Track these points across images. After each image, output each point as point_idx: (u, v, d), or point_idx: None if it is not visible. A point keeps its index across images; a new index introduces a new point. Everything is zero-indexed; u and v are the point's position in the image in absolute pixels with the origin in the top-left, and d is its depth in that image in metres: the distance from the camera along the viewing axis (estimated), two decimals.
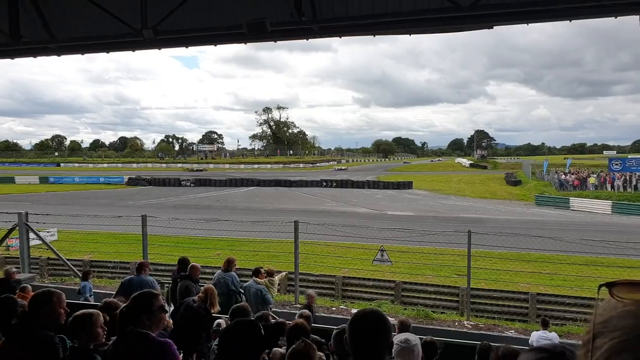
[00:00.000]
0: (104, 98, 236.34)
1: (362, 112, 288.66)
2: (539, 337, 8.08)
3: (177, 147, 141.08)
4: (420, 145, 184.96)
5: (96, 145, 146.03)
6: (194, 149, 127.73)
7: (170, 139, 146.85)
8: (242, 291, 8.75)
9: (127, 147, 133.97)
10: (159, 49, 8.19)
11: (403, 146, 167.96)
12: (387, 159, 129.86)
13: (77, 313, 3.33)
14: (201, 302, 5.87)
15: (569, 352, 1.08)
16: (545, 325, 8.45)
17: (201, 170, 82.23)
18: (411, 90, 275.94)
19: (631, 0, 6.14)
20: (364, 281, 14.08)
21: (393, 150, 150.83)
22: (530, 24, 6.88)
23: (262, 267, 9.11)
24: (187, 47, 8.53)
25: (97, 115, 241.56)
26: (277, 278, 9.43)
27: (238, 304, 5.33)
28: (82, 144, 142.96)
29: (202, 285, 6.96)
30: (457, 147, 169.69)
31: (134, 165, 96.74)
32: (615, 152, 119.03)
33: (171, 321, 4.93)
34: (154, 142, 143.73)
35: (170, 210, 32.54)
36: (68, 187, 56.31)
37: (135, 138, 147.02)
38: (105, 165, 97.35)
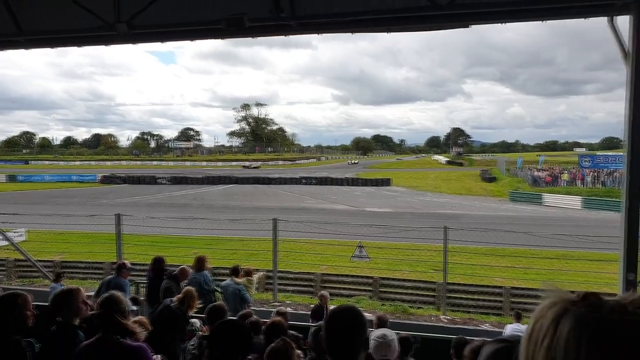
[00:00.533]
0: (76, 94, 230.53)
1: (342, 110, 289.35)
2: (512, 329, 8.24)
3: (153, 145, 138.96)
4: (398, 142, 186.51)
5: (68, 142, 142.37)
6: (170, 146, 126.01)
7: (146, 136, 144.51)
8: (217, 290, 8.68)
9: (100, 145, 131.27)
10: (134, 43, 8.06)
11: (382, 144, 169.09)
12: (366, 156, 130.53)
13: (57, 291, 3.54)
14: (179, 304, 5.82)
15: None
16: (518, 318, 8.63)
17: (257, 167, 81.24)
18: (390, 88, 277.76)
19: (599, 3, 6.32)
20: (342, 278, 14.13)
21: (372, 148, 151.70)
22: (505, 24, 7.02)
23: (240, 266, 9.05)
24: (163, 42, 8.40)
25: (69, 111, 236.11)
26: (255, 277, 9.38)
27: (214, 304, 5.27)
28: (53, 141, 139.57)
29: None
30: (434, 144, 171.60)
31: (108, 163, 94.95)
32: (585, 149, 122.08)
33: (146, 321, 4.85)
34: (128, 139, 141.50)
35: (145, 208, 32.04)
36: (38, 185, 54.81)
37: (110, 135, 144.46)
38: (78, 163, 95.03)
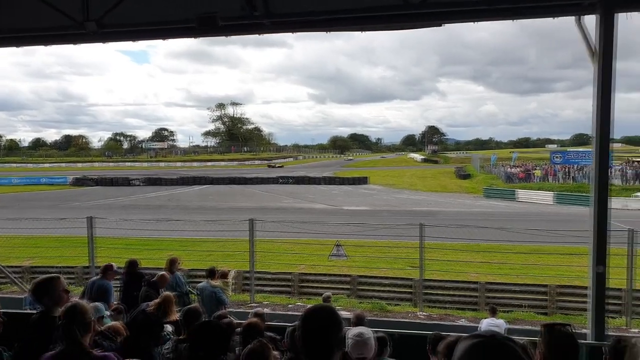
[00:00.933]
0: (45, 94, 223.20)
1: (318, 109, 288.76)
2: (487, 324, 8.37)
3: (126, 145, 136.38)
4: (375, 141, 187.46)
5: (37, 144, 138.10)
6: (144, 147, 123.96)
7: (119, 137, 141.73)
8: (192, 292, 8.58)
9: (71, 146, 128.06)
10: (104, 42, 7.88)
11: (359, 142, 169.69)
12: (343, 155, 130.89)
13: (37, 279, 3.55)
14: (155, 309, 5.73)
15: (499, 335, 1.18)
16: (493, 313, 8.77)
17: (281, 167, 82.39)
18: (366, 87, 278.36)
19: (567, 3, 6.47)
20: (320, 277, 14.15)
21: (349, 147, 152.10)
22: (477, 23, 7.12)
23: (216, 268, 8.95)
24: (134, 41, 8.26)
25: (37, 112, 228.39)
26: (231, 279, 9.27)
27: (189, 306, 5.21)
28: (20, 143, 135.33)
29: None
30: (410, 142, 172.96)
31: (80, 165, 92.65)
32: (556, 145, 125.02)
33: (121, 327, 4.75)
34: (100, 141, 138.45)
35: (119, 211, 31.44)
36: (4, 189, 53.09)
37: (81, 136, 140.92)
38: (47, 165, 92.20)
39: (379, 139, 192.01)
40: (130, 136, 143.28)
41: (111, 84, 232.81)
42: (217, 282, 8.52)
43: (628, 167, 44.57)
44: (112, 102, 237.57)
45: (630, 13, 6.64)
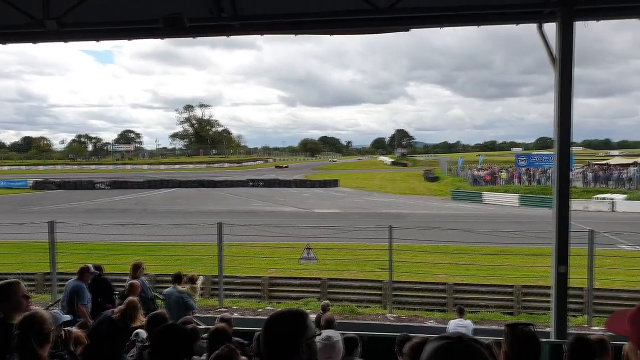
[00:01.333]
0: (3, 94, 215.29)
1: (289, 111, 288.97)
2: (455, 325, 8.48)
3: (90, 148, 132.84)
4: (345, 144, 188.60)
5: None
6: (110, 150, 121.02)
7: (83, 139, 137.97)
8: (158, 297, 8.40)
9: (32, 148, 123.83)
10: (65, 41, 7.67)
11: (329, 145, 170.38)
12: (314, 158, 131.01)
13: None
14: (121, 315, 5.59)
15: (466, 337, 1.20)
16: (461, 314, 8.90)
17: (285, 167, 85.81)
18: (336, 90, 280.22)
19: (528, 10, 6.66)
20: (290, 280, 14.07)
21: (320, 149, 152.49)
22: (443, 28, 7.25)
23: (182, 273, 8.78)
24: (97, 41, 8.07)
25: None
26: (199, 283, 9.11)
27: (155, 312, 5.10)
28: None
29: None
30: (379, 145, 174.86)
31: (41, 167, 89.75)
32: (521, 148, 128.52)
33: (82, 335, 4.60)
34: (63, 143, 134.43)
35: (82, 215, 30.53)
36: None
37: (42, 138, 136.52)
38: (6, 168, 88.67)
39: (349, 142, 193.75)
40: (94, 138, 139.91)
41: (74, 85, 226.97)
42: (184, 287, 8.37)
43: (588, 170, 46.21)
44: (75, 103, 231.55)
45: (588, 22, 6.91)
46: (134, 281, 7.55)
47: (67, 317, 3.97)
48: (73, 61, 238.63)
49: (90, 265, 8.04)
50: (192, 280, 8.67)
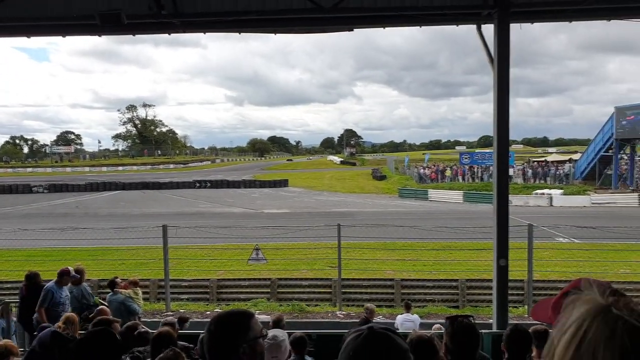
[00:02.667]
0: None
1: (236, 111, 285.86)
2: (402, 319, 8.66)
3: (26, 150, 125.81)
4: (294, 144, 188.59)
5: None
6: (48, 152, 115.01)
7: (18, 141, 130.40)
8: (102, 303, 8.07)
9: None
10: None
11: (279, 145, 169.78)
12: (263, 158, 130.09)
13: None
14: (65, 327, 5.36)
15: (376, 326, 1.24)
16: (408, 309, 9.10)
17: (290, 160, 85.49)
18: (284, 89, 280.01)
19: (468, 12, 6.90)
20: (239, 282, 13.91)
21: (269, 149, 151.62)
22: (387, 28, 7.38)
23: (117, 278, 8.46)
24: (29, 37, 7.68)
25: None
26: (139, 289, 8.73)
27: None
28: None
29: None
30: (328, 145, 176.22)
31: None
32: (465, 147, 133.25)
33: (13, 346, 4.34)
34: None
35: (18, 220, 28.85)
36: None
37: None
38: None
39: (298, 141, 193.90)
40: (30, 140, 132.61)
41: (6, 84, 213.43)
42: (127, 291, 8.07)
43: (528, 167, 48.59)
44: (7, 103, 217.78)
45: (523, 24, 7.25)
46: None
47: None
48: (4, 58, 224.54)
49: (70, 267, 7.93)
50: (134, 283, 8.36)
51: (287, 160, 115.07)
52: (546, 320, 1.39)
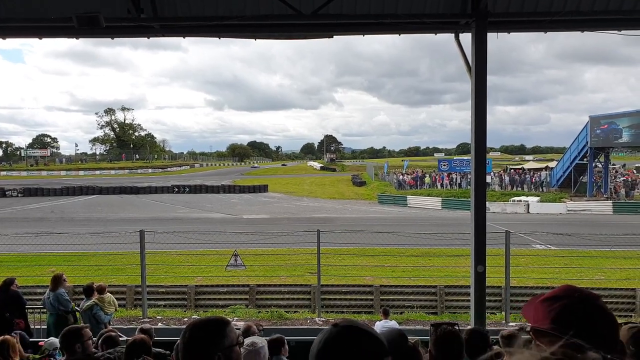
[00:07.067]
0: None
1: (216, 115, 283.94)
2: (381, 326, 8.67)
3: (0, 153, 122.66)
4: (275, 149, 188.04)
5: None
6: (22, 155, 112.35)
7: None
8: (78, 310, 7.90)
9: None
10: None
11: (258, 150, 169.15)
12: (242, 163, 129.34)
13: None
14: None
15: (343, 322, 1.25)
16: (386, 315, 9.13)
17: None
18: (264, 94, 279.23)
19: (447, 20, 7.00)
20: (217, 288, 13.75)
21: (249, 154, 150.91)
22: (367, 35, 7.44)
23: (94, 284, 8.27)
24: (4, 38, 7.51)
25: None
26: (107, 295, 8.48)
27: (69, 327, 4.76)
28: None
29: None
30: (309, 151, 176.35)
31: None
32: (443, 154, 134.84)
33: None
34: None
35: None
36: None
37: None
38: None
39: (278, 147, 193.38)
40: (4, 142, 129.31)
41: None
42: (93, 299, 7.87)
43: (505, 174, 49.38)
44: None
45: (500, 33, 7.38)
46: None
47: None
48: None
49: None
50: (101, 290, 8.13)
51: (282, 164, 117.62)
52: (530, 320, 1.43)
